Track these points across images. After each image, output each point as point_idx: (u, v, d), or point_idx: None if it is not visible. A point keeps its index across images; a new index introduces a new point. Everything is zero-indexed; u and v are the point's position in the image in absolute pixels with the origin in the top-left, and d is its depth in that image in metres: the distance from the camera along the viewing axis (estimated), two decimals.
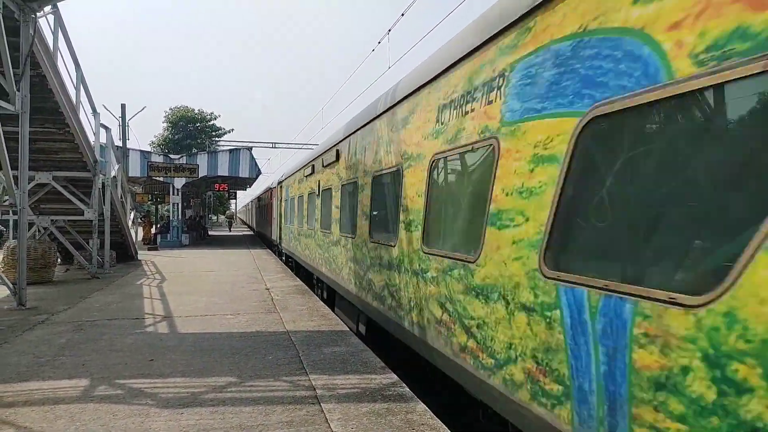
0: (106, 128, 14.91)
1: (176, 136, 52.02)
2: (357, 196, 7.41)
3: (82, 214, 13.20)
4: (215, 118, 54.66)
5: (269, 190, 26.07)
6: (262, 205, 30.99)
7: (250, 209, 58.00)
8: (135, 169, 25.34)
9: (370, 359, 5.79)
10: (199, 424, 4.00)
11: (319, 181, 10.96)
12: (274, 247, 23.44)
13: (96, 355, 5.91)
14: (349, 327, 7.66)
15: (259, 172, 28.45)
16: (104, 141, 15.44)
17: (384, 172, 6.23)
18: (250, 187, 44.35)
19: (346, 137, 8.34)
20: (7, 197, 9.31)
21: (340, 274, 8.52)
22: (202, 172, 26.38)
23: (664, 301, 2.22)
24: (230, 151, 27.66)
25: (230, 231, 52.07)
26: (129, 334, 6.96)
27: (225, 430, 3.91)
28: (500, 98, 3.67)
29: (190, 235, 28.44)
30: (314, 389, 4.79)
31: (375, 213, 6.71)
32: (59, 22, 10.69)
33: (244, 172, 27.37)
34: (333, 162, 9.34)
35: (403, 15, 12.06)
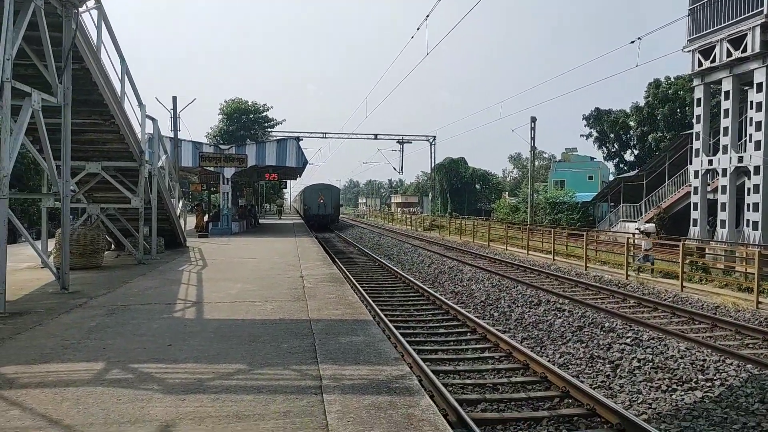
0: (153, 119, 15.33)
1: (231, 128, 53.42)
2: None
3: (130, 203, 13.67)
4: (268, 110, 55.70)
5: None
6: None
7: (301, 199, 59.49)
8: (187, 160, 26.12)
9: (385, 350, 5.65)
10: (196, 411, 3.98)
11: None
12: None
13: (119, 339, 6.04)
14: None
15: (305, 162, 28.74)
16: (152, 132, 15.95)
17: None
18: (300, 176, 45.00)
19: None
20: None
21: None
22: (251, 162, 26.87)
23: None
24: (277, 141, 28.04)
25: (280, 219, 52.92)
26: (156, 319, 7.11)
27: (220, 418, 3.86)
28: None
29: (241, 223, 29.10)
30: (320, 379, 4.69)
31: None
32: (103, 16, 11.00)
33: (291, 162, 27.70)
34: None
35: (439, 0, 11.75)
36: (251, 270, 12.36)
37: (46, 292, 9.10)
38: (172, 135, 24.98)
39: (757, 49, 17.56)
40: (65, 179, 9.37)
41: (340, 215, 45.68)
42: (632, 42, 19.54)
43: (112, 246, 16.53)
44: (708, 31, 19.67)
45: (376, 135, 57.38)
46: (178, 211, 18.63)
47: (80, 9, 9.65)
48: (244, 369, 5.00)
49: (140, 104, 14.10)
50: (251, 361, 5.22)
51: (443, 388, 6.62)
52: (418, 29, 14.14)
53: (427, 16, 13.27)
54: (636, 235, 18.17)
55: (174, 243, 17.87)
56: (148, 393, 4.35)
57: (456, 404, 6.14)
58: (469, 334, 10.15)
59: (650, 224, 17.59)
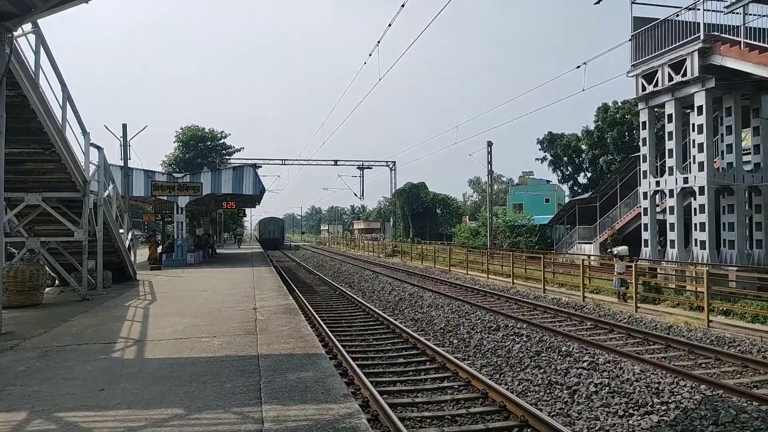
0: (98, 148, 14.79)
1: (187, 156, 52.45)
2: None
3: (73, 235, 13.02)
4: (225, 137, 55.03)
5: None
6: None
7: (257, 228, 61.20)
8: (139, 189, 25.34)
9: (334, 386, 5.39)
10: None
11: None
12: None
13: (47, 385, 5.59)
14: None
15: (263, 189, 28.31)
16: (98, 161, 15.36)
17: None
18: (259, 204, 44.39)
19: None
20: None
21: None
22: (206, 190, 26.28)
23: None
24: (234, 168, 27.59)
25: (239, 248, 51.92)
26: (92, 360, 6.65)
27: None
28: None
29: (196, 253, 28.28)
30: (262, 422, 4.40)
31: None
32: (41, 40, 10.56)
33: (248, 190, 27.22)
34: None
35: (390, 25, 11.82)
36: (202, 303, 11.88)
37: None
38: (121, 164, 24.24)
39: (696, 74, 18.33)
40: None
41: (285, 239, 77.07)
42: (578, 67, 20.16)
43: (56, 282, 15.72)
44: (650, 56, 20.46)
45: (336, 161, 57.36)
46: (128, 243, 17.93)
47: (15, 33, 9.22)
48: (181, 414, 4.66)
49: (84, 132, 13.57)
50: (189, 405, 4.88)
51: (399, 423, 6.37)
52: (370, 55, 14.25)
53: (378, 41, 13.37)
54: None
55: (123, 276, 17.13)
56: None
57: None
58: (428, 363, 9.94)
59: (623, 247, 17.81)
